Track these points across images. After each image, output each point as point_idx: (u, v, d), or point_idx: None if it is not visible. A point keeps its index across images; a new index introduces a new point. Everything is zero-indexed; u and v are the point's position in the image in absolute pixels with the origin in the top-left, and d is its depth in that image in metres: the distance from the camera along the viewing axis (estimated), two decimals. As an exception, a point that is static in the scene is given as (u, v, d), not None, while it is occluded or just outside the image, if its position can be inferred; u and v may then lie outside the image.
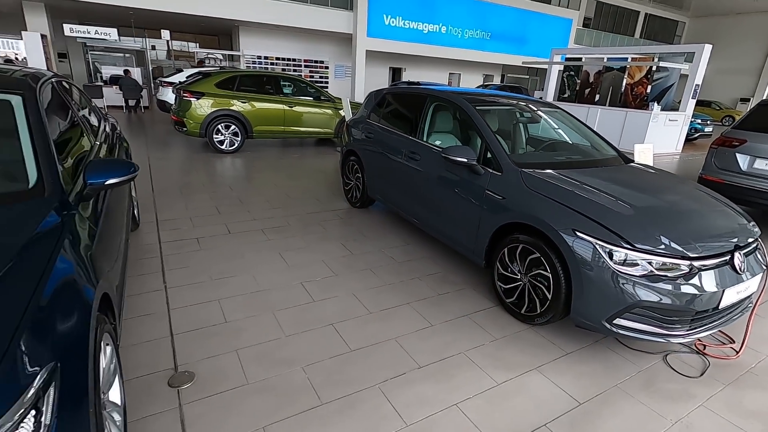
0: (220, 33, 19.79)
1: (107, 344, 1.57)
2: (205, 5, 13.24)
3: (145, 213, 4.26)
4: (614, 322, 2.27)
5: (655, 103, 10.76)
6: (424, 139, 3.77)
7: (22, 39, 11.77)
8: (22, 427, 0.96)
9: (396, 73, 20.50)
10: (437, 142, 3.70)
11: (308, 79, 10.61)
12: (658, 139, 10.46)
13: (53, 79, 2.42)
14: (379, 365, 2.27)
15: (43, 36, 12.10)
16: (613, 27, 26.02)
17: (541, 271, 2.56)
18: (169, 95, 10.25)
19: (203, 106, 7.08)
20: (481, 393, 2.13)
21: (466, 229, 3.13)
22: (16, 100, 1.90)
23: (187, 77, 9.73)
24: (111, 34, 12.70)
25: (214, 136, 7.30)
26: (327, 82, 17.95)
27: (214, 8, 13.36)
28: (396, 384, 2.14)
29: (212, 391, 2.02)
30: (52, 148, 1.80)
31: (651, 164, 4.26)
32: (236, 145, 7.53)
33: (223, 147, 7.43)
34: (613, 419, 2.02)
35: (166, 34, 14.21)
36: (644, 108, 11.21)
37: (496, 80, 23.41)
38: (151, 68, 17.88)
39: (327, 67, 18.25)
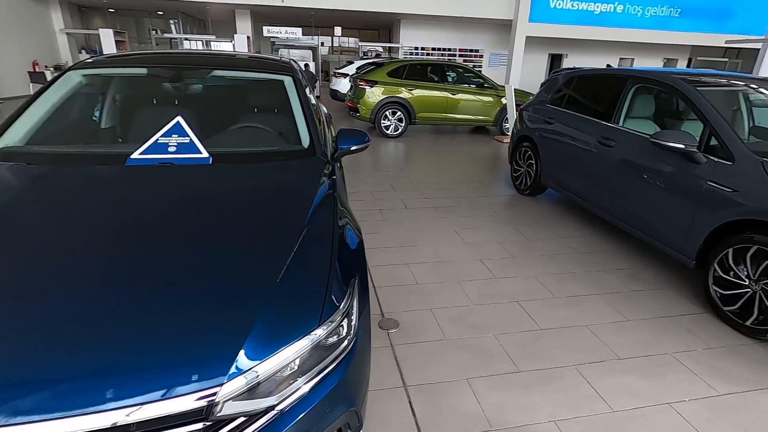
0: (381, 27, 21.06)
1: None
2: (377, 1, 14.21)
3: (334, 185, 4.89)
4: None
5: None
6: (621, 123, 3.47)
7: (233, 41, 14.46)
8: (341, 326, 1.23)
9: (555, 59, 19.02)
10: (634, 128, 3.36)
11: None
12: None
13: (299, 66, 2.95)
14: (572, 348, 2.23)
15: (247, 37, 14.61)
16: None
17: (784, 279, 2.17)
18: (341, 85, 11.38)
19: (375, 94, 7.70)
20: (700, 399, 1.92)
21: (672, 224, 2.81)
22: (288, 80, 2.37)
23: (357, 69, 10.67)
24: (296, 33, 14.64)
25: (382, 121, 7.89)
26: (480, 71, 17.66)
27: (384, 3, 14.24)
28: (595, 369, 2.08)
29: (415, 339, 2.26)
30: (315, 118, 2.21)
31: None
32: (400, 130, 8.01)
33: (388, 132, 7.98)
34: None
35: (338, 30, 15.75)
36: None
37: (681, 64, 19.87)
38: (320, 62, 20.05)
39: (481, 56, 17.93)
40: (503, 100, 8.19)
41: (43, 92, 2.07)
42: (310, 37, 19.99)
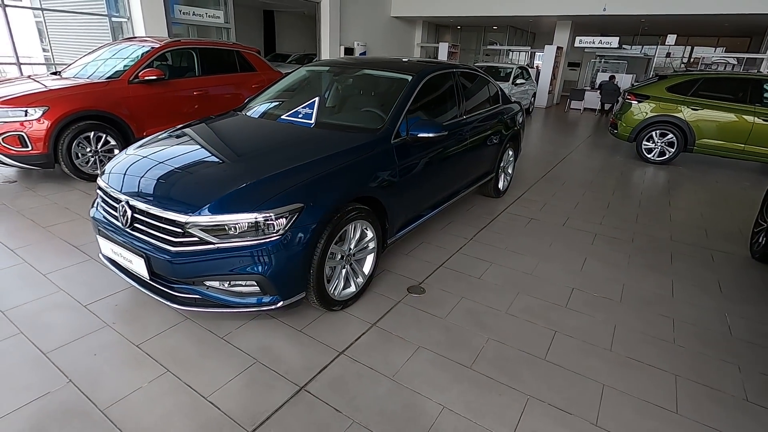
0: (754, 33, 16.15)
1: (365, 228, 2.44)
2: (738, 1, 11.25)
3: (516, 189, 4.97)
4: None
5: None
6: None
7: (543, 52, 14.85)
8: (278, 219, 1.95)
9: None
10: None
11: None
12: None
13: (449, 70, 3.44)
14: (555, 387, 1.98)
15: (559, 48, 14.67)
16: None
17: None
18: (634, 100, 10.04)
19: (642, 110, 6.66)
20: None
21: None
22: (409, 79, 3.01)
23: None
24: (612, 42, 13.52)
25: (645, 143, 6.76)
26: None
27: (748, 3, 11.13)
28: (540, 415, 1.84)
29: (421, 307, 2.55)
30: (403, 109, 2.78)
31: None
32: (667, 156, 6.64)
33: (649, 156, 6.77)
34: None
35: (671, 38, 13.39)
36: None
37: None
38: (652, 75, 17.46)
39: None
40: None
41: (282, 78, 3.57)
42: (644, 46, 17.78)
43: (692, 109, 6.32)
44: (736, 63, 14.15)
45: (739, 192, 5.53)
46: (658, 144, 6.66)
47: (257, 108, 3.24)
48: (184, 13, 9.47)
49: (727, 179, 6.16)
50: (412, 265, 3.05)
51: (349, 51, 14.67)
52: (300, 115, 2.86)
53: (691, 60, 20.38)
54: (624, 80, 14.10)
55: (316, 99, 2.92)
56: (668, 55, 21.59)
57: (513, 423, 1.77)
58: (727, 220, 4.41)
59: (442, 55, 16.63)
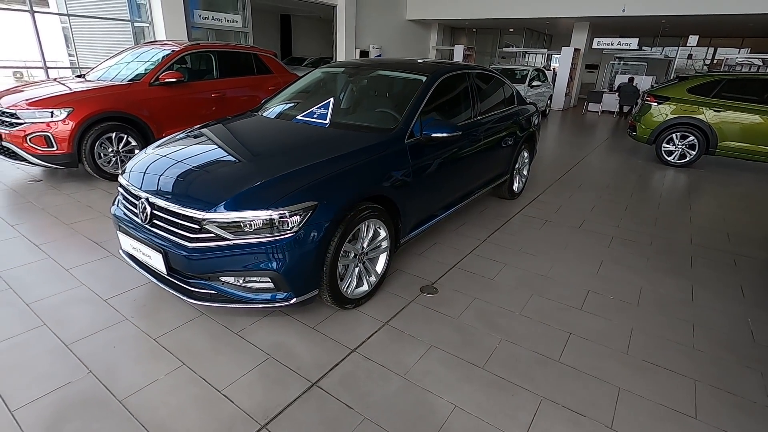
0: (781, 33, 15.67)
1: (378, 227, 2.46)
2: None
3: (531, 191, 4.92)
4: None
5: None
6: None
7: (560, 54, 14.70)
8: (293, 217, 1.97)
9: None
10: None
11: None
12: None
13: (464, 71, 3.43)
14: (569, 389, 1.95)
15: (576, 50, 14.48)
16: None
17: None
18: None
19: (662, 112, 6.52)
20: None
21: None
22: (424, 79, 3.01)
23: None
24: (631, 43, 13.29)
25: (665, 145, 6.62)
26: None
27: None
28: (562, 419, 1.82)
29: (434, 307, 2.55)
30: (417, 109, 2.78)
31: None
32: (688, 159, 6.49)
33: (670, 158, 6.63)
34: None
35: (693, 39, 13.10)
36: None
37: None
38: (672, 77, 17.11)
39: None
40: None
41: (299, 78, 3.62)
42: (661, 47, 17.45)
43: (714, 110, 6.16)
44: (761, 64, 13.75)
45: (764, 195, 5.37)
46: (679, 146, 6.51)
47: (273, 109, 3.28)
48: (203, 17, 9.67)
49: (751, 182, 5.99)
50: (424, 265, 3.05)
51: (364, 54, 14.74)
52: (315, 116, 2.89)
53: (714, 61, 19.89)
54: (644, 82, 13.87)
55: (331, 100, 2.95)
56: (690, 56, 21.08)
57: (526, 424, 1.75)
58: (750, 224, 4.28)
59: (458, 58, 16.59)
